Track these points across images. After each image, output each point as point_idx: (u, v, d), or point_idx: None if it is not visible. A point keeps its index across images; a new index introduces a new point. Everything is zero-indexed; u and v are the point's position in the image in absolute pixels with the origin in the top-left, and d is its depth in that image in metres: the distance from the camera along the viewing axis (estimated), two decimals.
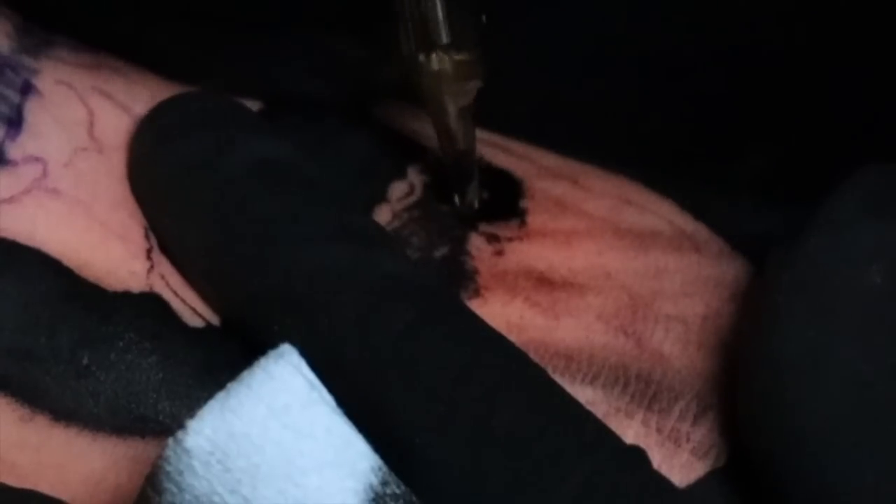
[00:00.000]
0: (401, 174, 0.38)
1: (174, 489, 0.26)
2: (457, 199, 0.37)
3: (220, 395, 0.26)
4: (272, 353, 0.27)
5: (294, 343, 0.27)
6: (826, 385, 0.29)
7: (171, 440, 0.26)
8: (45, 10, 0.35)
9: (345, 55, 0.38)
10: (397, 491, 0.26)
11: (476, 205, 0.37)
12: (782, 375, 0.30)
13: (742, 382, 0.32)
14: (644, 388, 0.34)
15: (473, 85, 0.35)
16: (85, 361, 0.30)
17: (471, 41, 0.34)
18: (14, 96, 0.33)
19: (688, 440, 0.33)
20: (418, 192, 0.38)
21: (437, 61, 0.34)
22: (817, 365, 0.30)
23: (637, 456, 0.29)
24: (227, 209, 0.32)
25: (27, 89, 0.34)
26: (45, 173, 0.33)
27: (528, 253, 0.37)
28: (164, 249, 0.34)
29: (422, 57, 0.34)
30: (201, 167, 0.33)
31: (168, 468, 0.26)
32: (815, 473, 0.29)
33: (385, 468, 0.26)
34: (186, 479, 0.25)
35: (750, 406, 0.31)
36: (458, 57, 0.34)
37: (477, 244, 0.37)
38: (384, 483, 0.26)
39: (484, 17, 0.34)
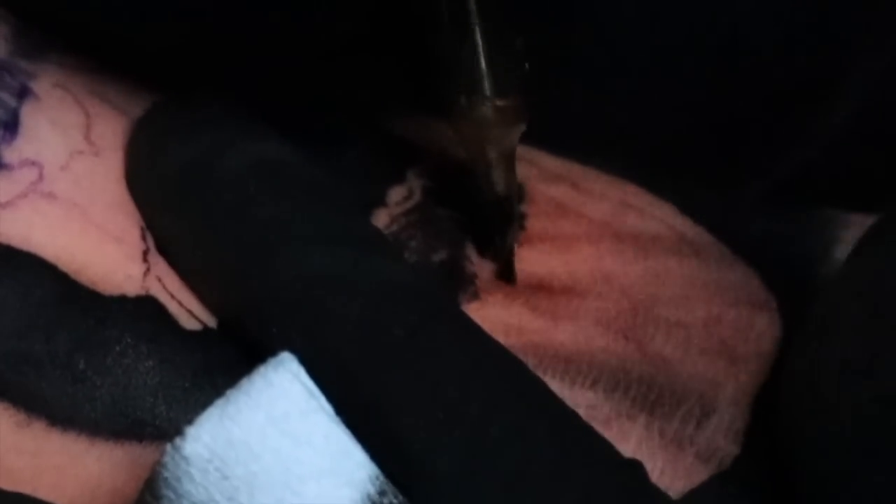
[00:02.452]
0: (400, 179, 0.38)
1: (172, 496, 0.26)
2: (497, 240, 0.37)
3: (219, 403, 0.26)
4: (271, 361, 0.27)
5: (292, 347, 0.27)
6: (857, 398, 0.29)
7: (169, 447, 0.26)
8: (42, 15, 0.35)
9: (346, 63, 0.38)
10: (394, 501, 0.26)
11: (515, 247, 0.37)
12: (818, 384, 0.30)
13: (785, 382, 0.32)
14: (646, 392, 0.34)
15: (516, 130, 0.34)
16: (81, 366, 0.30)
17: (513, 87, 0.34)
18: (10, 100, 0.33)
19: (691, 444, 0.33)
20: (417, 197, 0.38)
21: (479, 106, 0.34)
22: (852, 377, 0.29)
23: (635, 470, 0.28)
24: (226, 211, 0.32)
25: (24, 93, 0.33)
26: (41, 177, 0.32)
27: (527, 257, 0.37)
28: (162, 251, 0.34)
29: (463, 102, 0.34)
30: (200, 168, 0.33)
31: (166, 475, 0.26)
32: (839, 486, 0.29)
33: (382, 477, 0.26)
34: (184, 486, 0.25)
35: (788, 409, 0.31)
36: (500, 103, 0.34)
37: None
38: (381, 492, 0.26)
39: (527, 65, 0.34)
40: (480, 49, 0.33)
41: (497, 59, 0.33)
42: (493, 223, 0.36)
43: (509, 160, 0.35)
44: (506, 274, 0.37)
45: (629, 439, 0.32)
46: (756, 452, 0.33)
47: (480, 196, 0.36)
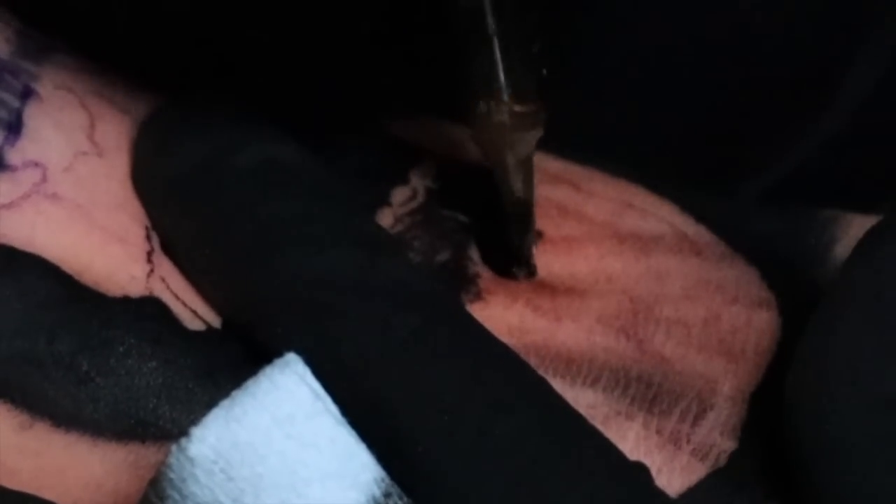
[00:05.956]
0: (403, 180, 0.38)
1: (177, 497, 0.26)
2: (514, 242, 0.37)
3: (225, 404, 0.26)
4: (277, 362, 0.27)
5: (298, 348, 0.27)
6: (861, 400, 0.29)
7: (174, 448, 0.26)
8: (45, 16, 0.35)
9: (350, 63, 0.38)
10: (399, 502, 0.26)
11: (533, 259, 0.37)
12: (824, 383, 0.30)
13: (788, 384, 0.32)
14: (645, 391, 0.34)
15: (533, 135, 0.35)
16: (85, 367, 0.30)
17: (531, 93, 0.34)
18: (14, 101, 0.33)
19: (688, 441, 0.33)
20: (421, 197, 0.38)
21: (497, 112, 0.34)
22: (857, 380, 0.29)
23: (640, 473, 0.29)
24: (233, 210, 0.32)
25: (27, 94, 0.33)
26: (44, 178, 0.32)
27: None
28: (168, 251, 0.34)
29: (482, 107, 0.34)
30: (207, 169, 0.33)
31: (171, 475, 0.26)
32: (840, 487, 0.29)
33: (388, 480, 0.26)
34: (189, 487, 0.25)
35: (792, 411, 0.31)
36: (518, 108, 0.34)
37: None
38: (387, 494, 0.26)
39: (544, 71, 0.34)
40: (498, 55, 0.33)
41: (514, 64, 0.33)
42: (511, 230, 0.36)
43: (528, 165, 0.35)
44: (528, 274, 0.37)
45: (627, 439, 0.32)
46: (752, 448, 0.33)
47: (499, 201, 0.36)
